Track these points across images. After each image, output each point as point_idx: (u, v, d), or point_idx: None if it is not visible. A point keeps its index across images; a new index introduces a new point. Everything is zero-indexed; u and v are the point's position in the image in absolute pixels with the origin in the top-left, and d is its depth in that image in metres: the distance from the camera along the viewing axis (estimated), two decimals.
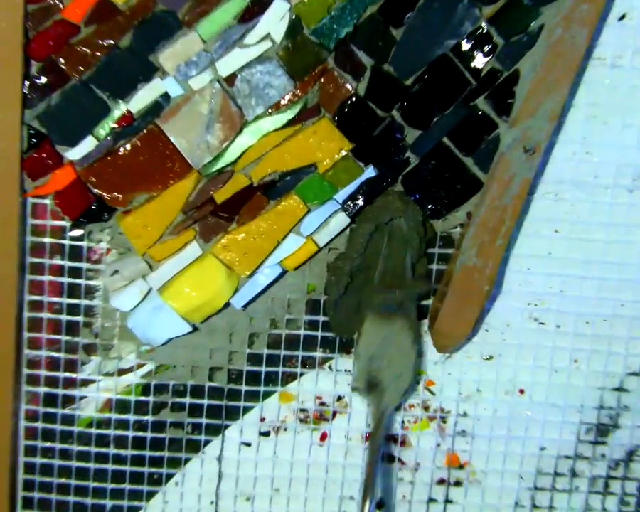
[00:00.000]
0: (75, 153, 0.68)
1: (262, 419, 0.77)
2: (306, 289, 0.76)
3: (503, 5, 0.67)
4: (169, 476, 0.77)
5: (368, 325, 0.70)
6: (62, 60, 0.65)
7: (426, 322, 0.75)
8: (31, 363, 0.75)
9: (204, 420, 0.77)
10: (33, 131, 0.67)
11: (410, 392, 0.74)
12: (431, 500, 0.79)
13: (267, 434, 0.77)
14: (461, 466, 0.77)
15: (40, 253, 0.72)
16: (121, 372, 0.76)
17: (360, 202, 0.72)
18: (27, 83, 0.65)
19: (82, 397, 0.75)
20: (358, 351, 0.69)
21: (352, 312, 0.73)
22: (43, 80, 0.66)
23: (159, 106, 0.67)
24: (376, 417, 0.68)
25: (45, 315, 0.74)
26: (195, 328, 0.75)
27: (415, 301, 0.71)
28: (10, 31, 0.61)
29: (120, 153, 0.67)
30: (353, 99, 0.69)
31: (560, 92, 0.66)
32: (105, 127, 0.67)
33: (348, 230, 0.73)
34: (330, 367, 0.78)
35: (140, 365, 0.77)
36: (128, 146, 0.67)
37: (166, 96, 0.67)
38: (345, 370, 0.78)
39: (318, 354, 0.77)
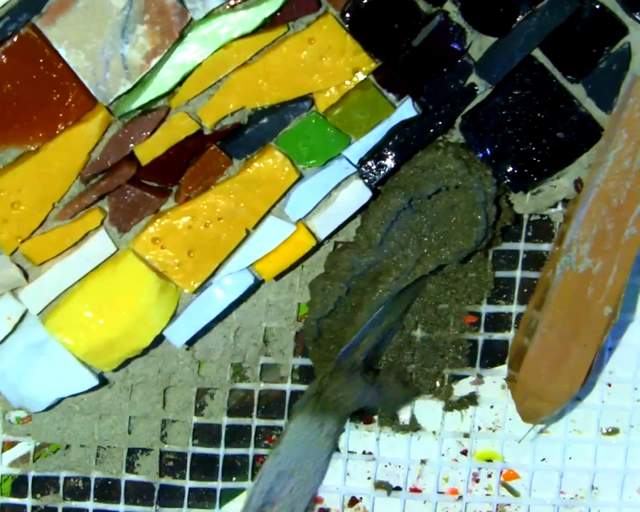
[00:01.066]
0: None
1: None
2: (296, 313, 0.77)
3: None
4: None
5: (298, 420, 0.75)
6: None
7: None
8: None
9: None
10: None
11: None
12: None
13: None
14: None
15: None
16: None
17: (389, 162, 0.72)
18: None
19: None
20: (271, 460, 0.76)
21: (340, 337, 0.76)
22: None
23: None
24: None
25: None
26: (103, 381, 0.76)
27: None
28: None
29: None
30: None
31: None
32: None
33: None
34: (336, 446, 0.80)
35: (9, 445, 0.77)
36: None
37: None
38: (364, 452, 0.81)
39: None
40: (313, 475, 0.78)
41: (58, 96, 0.68)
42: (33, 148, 0.69)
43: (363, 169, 0.72)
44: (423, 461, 0.80)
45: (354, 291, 0.75)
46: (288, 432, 0.75)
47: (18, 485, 0.78)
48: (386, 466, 0.81)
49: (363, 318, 0.75)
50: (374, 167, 0.72)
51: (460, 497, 0.81)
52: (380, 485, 0.81)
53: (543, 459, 0.81)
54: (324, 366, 0.77)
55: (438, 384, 0.79)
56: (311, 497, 0.79)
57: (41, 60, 0.67)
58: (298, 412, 0.76)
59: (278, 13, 0.68)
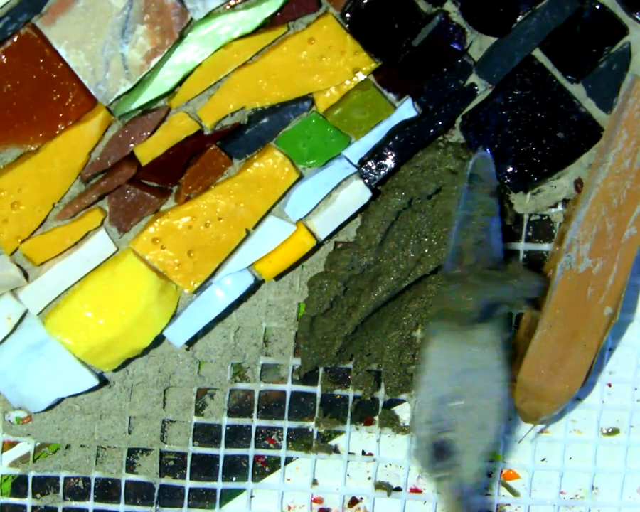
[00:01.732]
0: None
1: None
2: (296, 313, 0.77)
3: None
4: None
5: (437, 344, 0.72)
6: None
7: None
8: None
9: None
10: None
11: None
12: None
13: None
14: None
15: None
16: None
17: (389, 162, 0.72)
18: None
19: None
20: (422, 390, 0.72)
21: (331, 339, 0.76)
22: None
23: None
24: (452, 504, 0.72)
25: None
26: (103, 381, 0.75)
27: (508, 306, 0.74)
28: None
29: None
30: None
31: None
32: None
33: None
34: (336, 448, 0.80)
35: (10, 445, 0.77)
36: None
37: None
38: (364, 453, 0.81)
39: (317, 428, 0.78)
40: (491, 387, 0.73)
41: (58, 96, 0.68)
42: (33, 148, 0.69)
43: (363, 169, 0.72)
44: None
45: (352, 292, 0.75)
46: (429, 360, 0.72)
47: (18, 485, 0.78)
48: (386, 466, 0.80)
49: (357, 319, 0.75)
50: (374, 167, 0.72)
51: None
52: (381, 485, 0.81)
53: (543, 459, 0.80)
54: (311, 366, 0.77)
55: None
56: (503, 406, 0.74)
57: (41, 60, 0.67)
58: (433, 334, 0.73)
59: (278, 13, 0.68)
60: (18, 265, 0.71)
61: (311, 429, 0.79)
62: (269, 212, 0.71)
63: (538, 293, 0.73)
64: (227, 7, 0.68)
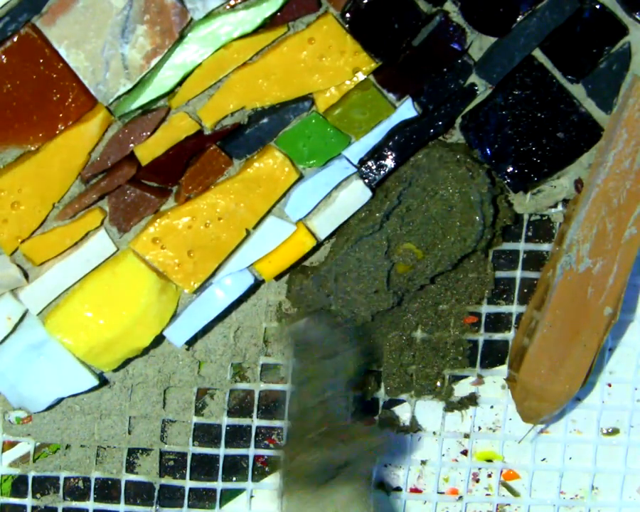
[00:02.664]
0: None
1: None
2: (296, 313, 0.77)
3: None
4: None
5: (295, 507, 0.72)
6: None
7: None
8: None
9: None
10: None
11: None
12: None
13: None
14: None
15: None
16: None
17: (389, 162, 0.72)
18: None
19: None
20: None
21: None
22: None
23: None
24: None
25: None
26: (104, 381, 0.75)
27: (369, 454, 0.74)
28: None
29: None
30: None
31: None
32: None
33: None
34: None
35: (10, 445, 0.77)
36: None
37: None
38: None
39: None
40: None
41: (58, 96, 0.68)
42: (33, 148, 0.69)
43: (363, 169, 0.72)
44: (423, 462, 0.80)
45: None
46: None
47: (18, 485, 0.78)
48: (386, 466, 0.81)
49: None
50: (374, 167, 0.72)
51: (460, 497, 0.81)
52: (381, 485, 0.81)
53: (543, 459, 0.81)
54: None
55: (438, 384, 0.79)
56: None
57: (41, 60, 0.67)
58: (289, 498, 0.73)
59: (278, 13, 0.68)
60: (18, 265, 0.71)
61: None
62: (269, 212, 0.71)
63: (381, 451, 0.75)
64: (227, 7, 0.68)
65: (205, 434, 0.79)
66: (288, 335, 0.74)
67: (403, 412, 0.80)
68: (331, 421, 0.73)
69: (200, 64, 0.68)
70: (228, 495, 0.80)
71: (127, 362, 0.74)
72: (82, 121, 0.69)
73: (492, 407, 0.80)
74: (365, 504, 0.72)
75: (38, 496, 0.78)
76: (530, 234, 0.77)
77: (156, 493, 0.79)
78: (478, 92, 0.72)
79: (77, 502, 0.79)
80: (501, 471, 0.81)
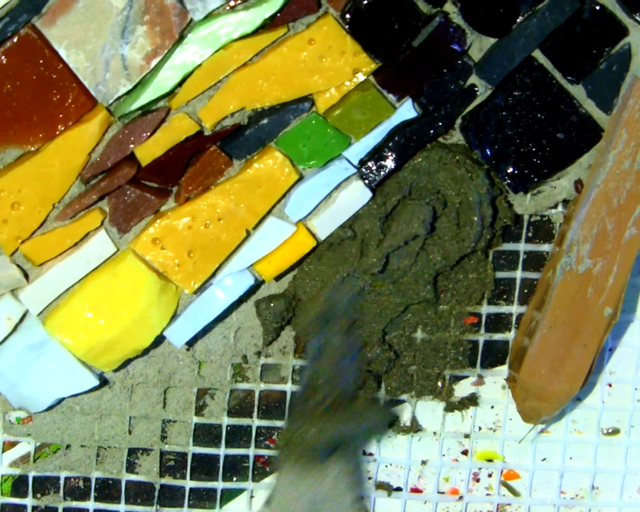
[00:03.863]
0: None
1: None
2: None
3: None
4: None
5: (286, 479, 0.73)
6: None
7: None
8: None
9: None
10: None
11: None
12: None
13: None
14: None
15: None
16: None
17: (390, 163, 0.72)
18: None
19: None
20: None
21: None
22: None
23: None
24: None
25: None
26: (104, 381, 0.75)
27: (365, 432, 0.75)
28: None
29: None
30: None
31: None
32: None
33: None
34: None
35: (10, 445, 0.77)
36: None
37: None
38: (365, 453, 0.80)
39: None
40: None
41: (58, 96, 0.68)
42: (33, 148, 0.69)
43: (363, 170, 0.72)
44: (424, 462, 0.80)
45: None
46: (278, 493, 0.74)
47: (19, 485, 0.78)
48: (387, 466, 0.80)
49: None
50: (374, 168, 0.72)
51: (461, 497, 0.81)
52: (381, 485, 0.81)
53: (544, 459, 0.81)
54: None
55: (439, 385, 0.79)
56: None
57: (41, 61, 0.67)
58: (281, 469, 0.74)
59: (278, 14, 0.68)
60: (18, 265, 0.71)
61: None
62: (269, 212, 0.71)
63: (384, 431, 0.76)
64: (227, 8, 0.68)
65: (206, 434, 0.79)
66: (314, 306, 0.74)
67: (403, 412, 0.80)
68: (338, 396, 0.73)
69: (200, 64, 0.68)
70: (229, 495, 0.80)
71: (127, 362, 0.74)
72: (82, 121, 0.69)
73: (492, 407, 0.79)
74: (357, 480, 0.72)
75: (39, 496, 0.78)
76: (530, 234, 0.77)
77: (156, 493, 0.79)
78: (478, 92, 0.72)
79: (78, 502, 0.79)
80: (502, 471, 0.81)
